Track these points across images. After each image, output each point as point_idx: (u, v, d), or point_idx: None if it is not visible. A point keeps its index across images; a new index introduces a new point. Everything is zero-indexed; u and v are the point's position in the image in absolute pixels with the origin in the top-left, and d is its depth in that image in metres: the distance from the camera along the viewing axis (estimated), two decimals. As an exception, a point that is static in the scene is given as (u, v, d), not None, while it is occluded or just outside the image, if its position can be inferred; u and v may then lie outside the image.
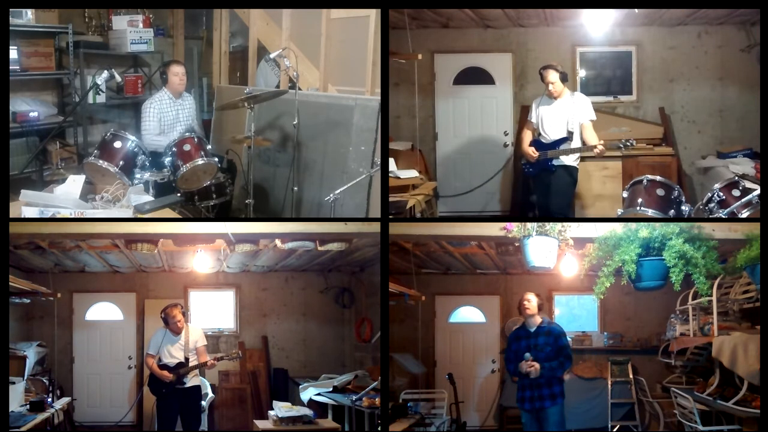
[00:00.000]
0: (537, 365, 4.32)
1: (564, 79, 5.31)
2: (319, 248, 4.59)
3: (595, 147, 5.10)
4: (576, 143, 5.29)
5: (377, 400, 5.10)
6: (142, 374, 6.90)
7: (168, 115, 5.52)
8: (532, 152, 5.41)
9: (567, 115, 5.29)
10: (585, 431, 6.39)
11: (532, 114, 5.53)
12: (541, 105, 5.45)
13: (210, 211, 5.41)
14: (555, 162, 5.32)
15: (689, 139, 7.32)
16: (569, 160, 5.32)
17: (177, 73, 5.54)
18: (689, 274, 3.69)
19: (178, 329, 5.08)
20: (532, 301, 4.54)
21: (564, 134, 5.31)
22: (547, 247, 3.79)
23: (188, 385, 5.08)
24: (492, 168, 7.53)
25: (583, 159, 5.60)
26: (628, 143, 5.14)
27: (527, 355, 4.37)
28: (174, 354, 5.06)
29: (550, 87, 5.28)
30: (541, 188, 5.51)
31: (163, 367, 5.05)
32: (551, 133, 5.35)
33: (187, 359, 5.06)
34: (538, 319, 4.52)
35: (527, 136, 5.55)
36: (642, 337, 6.85)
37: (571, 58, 7.25)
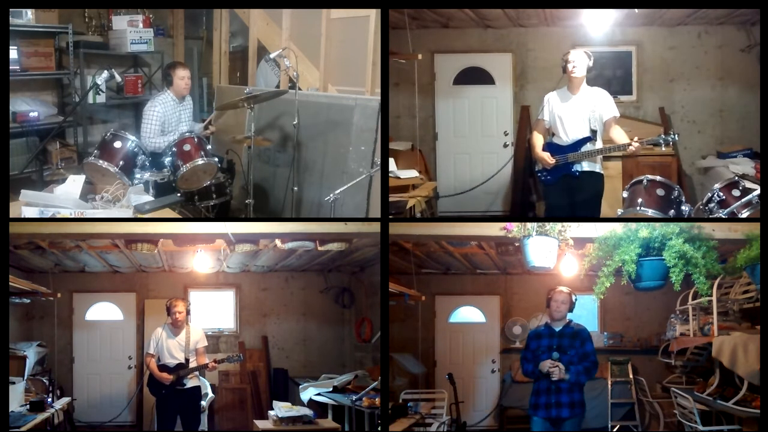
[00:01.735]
0: (561, 366, 3.96)
1: (589, 69, 4.72)
2: (319, 248, 4.59)
3: (629, 145, 4.44)
4: (599, 143, 4.70)
5: (377, 400, 5.10)
6: (141, 374, 6.90)
7: (171, 118, 5.52)
8: (548, 158, 4.70)
9: (588, 111, 4.68)
10: (585, 431, 6.39)
11: (545, 111, 4.83)
12: (555, 101, 4.78)
13: (210, 211, 5.41)
14: (578, 167, 4.69)
15: (689, 139, 7.31)
16: (596, 164, 4.71)
17: (183, 77, 5.52)
18: (689, 274, 3.69)
19: (177, 322, 5.08)
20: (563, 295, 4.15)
21: (587, 133, 4.67)
22: (547, 247, 3.78)
23: (188, 386, 5.08)
24: (492, 168, 7.53)
25: (606, 158, 5.01)
26: (670, 138, 4.42)
27: (555, 354, 4.01)
28: (174, 354, 5.06)
29: (570, 66, 4.64)
30: (563, 198, 4.77)
31: (163, 367, 5.05)
32: (571, 132, 4.70)
33: (187, 360, 5.07)
34: (567, 320, 4.18)
35: (539, 140, 4.85)
36: (642, 337, 6.85)
37: (572, 58, 7.25)
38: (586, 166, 4.69)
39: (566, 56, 4.72)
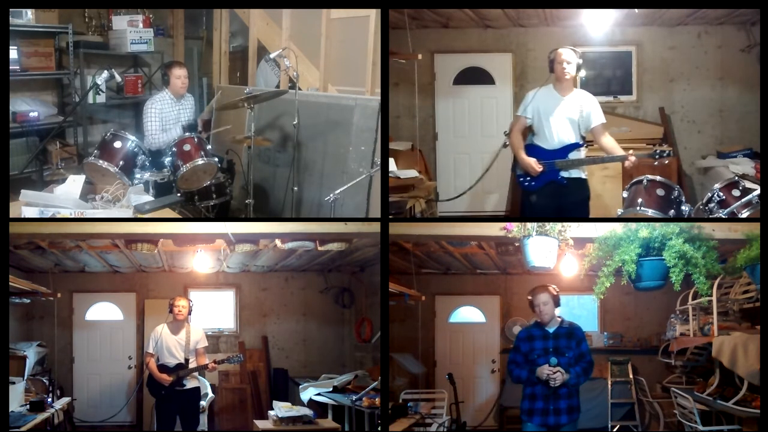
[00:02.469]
0: (563, 371, 3.70)
1: (578, 69, 4.50)
2: (319, 248, 4.59)
3: (626, 158, 4.34)
4: (583, 150, 4.58)
5: (377, 400, 5.10)
6: (141, 374, 6.90)
7: (169, 116, 5.53)
8: (535, 165, 4.47)
9: (576, 115, 4.51)
10: (585, 431, 6.39)
11: (528, 109, 4.58)
12: (542, 100, 4.55)
13: (210, 211, 5.41)
14: (565, 174, 4.51)
15: (689, 139, 7.32)
16: (582, 171, 4.58)
17: (179, 76, 5.55)
18: (689, 274, 3.69)
19: (178, 318, 5.09)
20: None
21: (575, 138, 4.51)
22: (547, 247, 3.77)
23: (187, 386, 5.08)
24: (492, 168, 7.52)
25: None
26: (664, 153, 4.31)
27: (553, 359, 3.72)
28: (174, 354, 5.06)
29: (564, 67, 4.43)
30: (548, 205, 4.54)
31: (163, 367, 5.05)
32: (559, 136, 4.51)
33: (187, 360, 5.06)
34: (558, 318, 3.91)
35: (520, 141, 4.62)
36: (642, 337, 6.85)
37: (571, 58, 7.24)
38: (573, 172, 4.55)
39: (557, 55, 4.49)
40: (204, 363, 5.09)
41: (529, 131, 4.69)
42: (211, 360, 5.15)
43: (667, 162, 4.42)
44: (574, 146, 4.52)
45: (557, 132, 4.52)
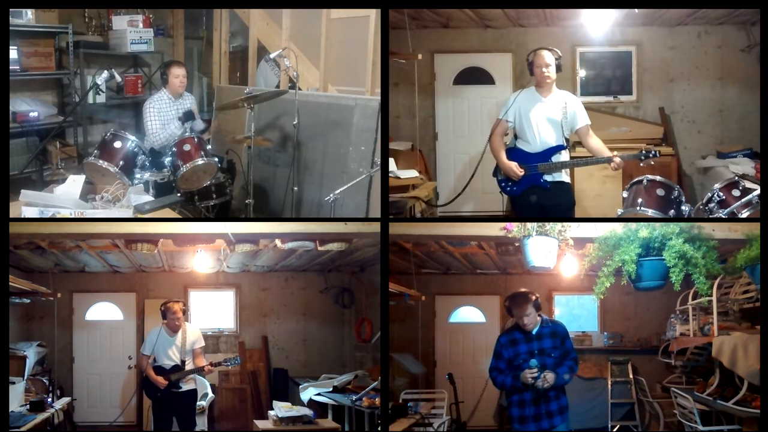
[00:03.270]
0: (551, 375, 3.58)
1: (559, 69, 4.46)
2: (319, 248, 4.58)
3: (612, 160, 4.32)
4: (566, 153, 4.52)
5: (377, 400, 5.10)
6: (141, 375, 6.90)
7: (167, 115, 5.53)
8: (516, 169, 4.43)
9: (560, 116, 4.46)
10: (585, 431, 6.40)
11: (509, 112, 4.52)
12: (523, 102, 4.50)
13: (210, 211, 5.41)
14: (548, 177, 4.45)
15: (689, 139, 7.32)
16: (565, 174, 4.52)
17: (178, 75, 5.55)
18: (689, 274, 3.68)
19: (175, 326, 5.07)
20: None
21: (558, 141, 4.45)
22: (547, 247, 3.77)
23: (184, 389, 5.06)
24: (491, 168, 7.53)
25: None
26: (651, 154, 4.30)
27: (533, 361, 3.60)
28: (170, 355, 5.05)
29: (545, 71, 4.39)
30: (532, 211, 4.46)
31: (159, 368, 5.04)
32: (542, 139, 4.45)
33: (183, 362, 5.05)
34: (537, 319, 3.77)
35: (501, 145, 4.55)
36: (642, 337, 6.85)
37: (571, 58, 7.25)
38: (556, 176, 4.48)
39: (536, 58, 4.45)
40: (201, 365, 5.07)
41: (511, 133, 4.66)
42: (208, 362, 5.13)
43: (653, 163, 4.37)
44: (557, 148, 4.48)
45: (540, 134, 4.47)
